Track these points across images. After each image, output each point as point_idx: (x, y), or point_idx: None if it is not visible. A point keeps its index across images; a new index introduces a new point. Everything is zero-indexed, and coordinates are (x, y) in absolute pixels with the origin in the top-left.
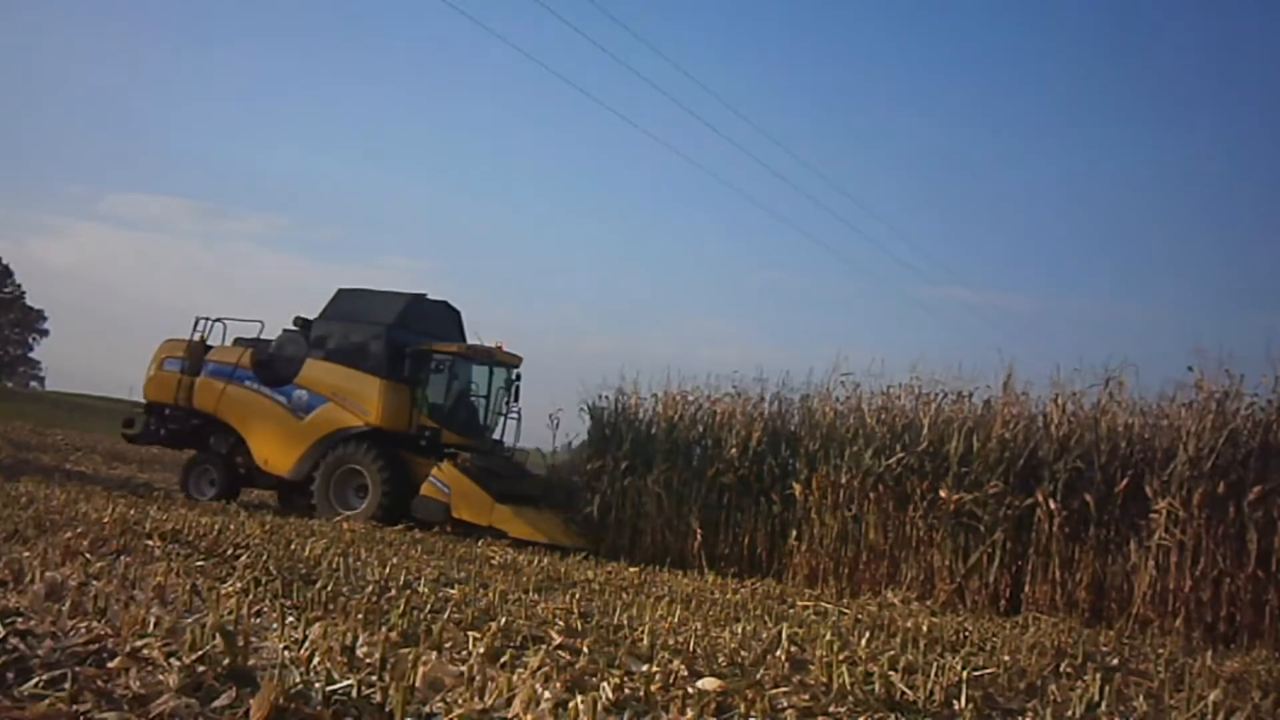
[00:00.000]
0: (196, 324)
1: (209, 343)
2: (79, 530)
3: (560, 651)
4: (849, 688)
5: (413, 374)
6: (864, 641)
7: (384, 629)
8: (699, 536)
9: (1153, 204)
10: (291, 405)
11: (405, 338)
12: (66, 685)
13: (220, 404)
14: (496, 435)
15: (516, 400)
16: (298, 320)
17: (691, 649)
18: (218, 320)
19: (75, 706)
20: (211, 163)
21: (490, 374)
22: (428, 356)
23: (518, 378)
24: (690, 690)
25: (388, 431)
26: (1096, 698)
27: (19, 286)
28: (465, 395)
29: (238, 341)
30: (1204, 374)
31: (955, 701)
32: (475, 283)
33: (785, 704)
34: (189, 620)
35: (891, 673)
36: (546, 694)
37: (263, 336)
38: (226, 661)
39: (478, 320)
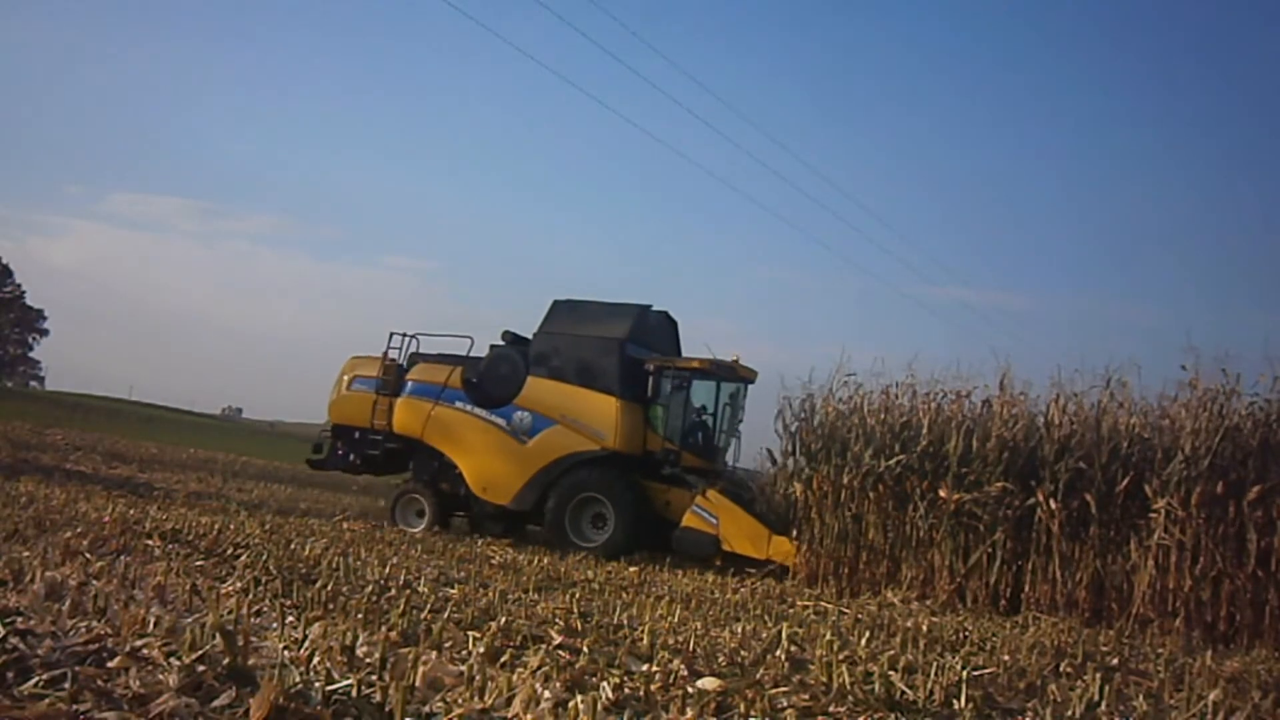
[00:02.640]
0: (390, 339)
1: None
2: (79, 530)
3: (560, 651)
4: (849, 687)
5: (653, 393)
6: (864, 641)
7: (384, 629)
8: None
9: (1152, 204)
10: (512, 428)
11: (636, 353)
12: (66, 685)
13: (427, 427)
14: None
15: (741, 417)
16: (506, 335)
17: (691, 649)
18: (414, 336)
19: (75, 706)
20: (212, 163)
21: (718, 389)
22: (670, 374)
23: (745, 393)
24: (690, 690)
25: (624, 455)
26: (1096, 697)
27: (19, 286)
28: (700, 414)
29: (435, 359)
30: (1199, 373)
31: (955, 701)
32: (476, 283)
33: (785, 704)
34: (189, 620)
35: (891, 672)
36: (546, 694)
37: (447, 353)
38: (226, 661)
39: (475, 319)
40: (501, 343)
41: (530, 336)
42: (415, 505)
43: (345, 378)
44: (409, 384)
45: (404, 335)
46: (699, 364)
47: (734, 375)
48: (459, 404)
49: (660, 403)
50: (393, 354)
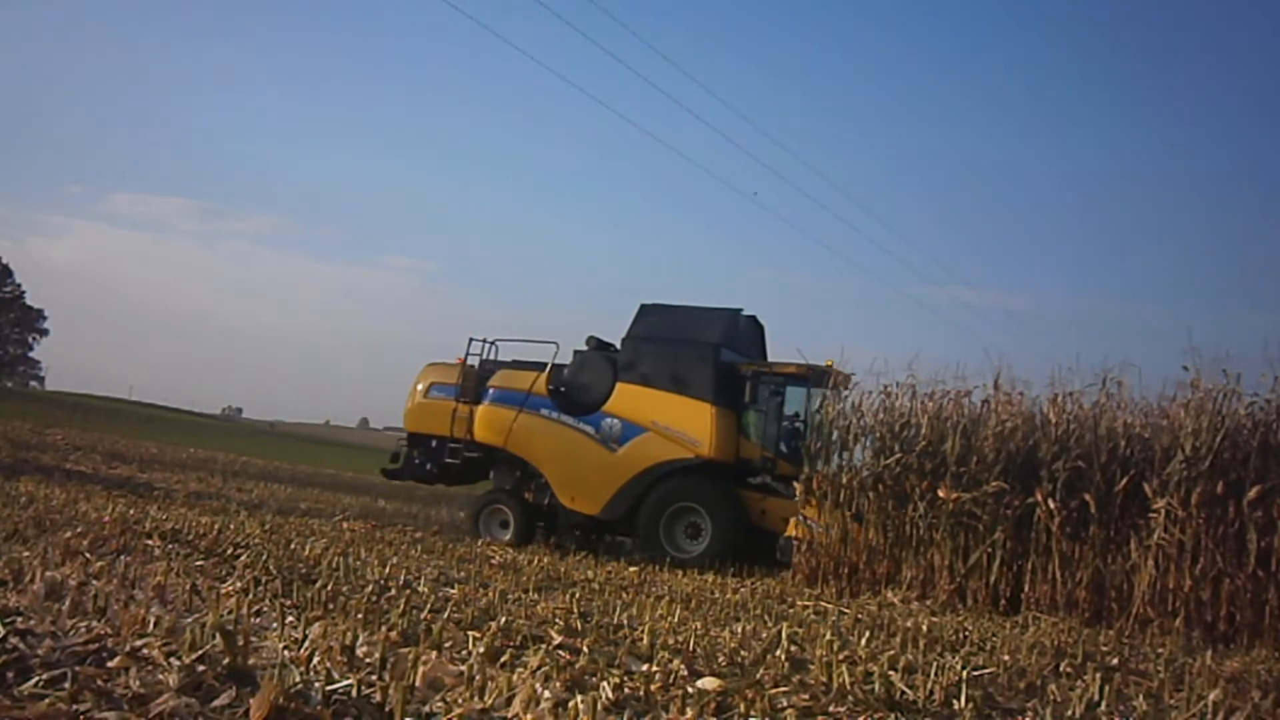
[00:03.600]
0: (469, 345)
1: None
2: (79, 530)
3: (560, 651)
4: (849, 687)
5: (750, 399)
6: (864, 641)
7: (384, 629)
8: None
9: (1152, 204)
10: (601, 436)
11: (728, 358)
12: (66, 685)
13: (511, 436)
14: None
15: None
16: (590, 340)
17: (691, 649)
18: (494, 341)
19: (75, 706)
20: (212, 163)
21: (808, 395)
22: (767, 379)
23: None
24: (690, 690)
25: (718, 463)
26: (1096, 697)
27: (19, 286)
28: (793, 420)
29: (518, 365)
30: (1199, 373)
31: (955, 701)
32: (475, 283)
33: (785, 703)
34: (189, 620)
35: (891, 672)
36: (546, 693)
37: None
38: (226, 661)
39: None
40: (586, 348)
41: (596, 339)
42: (500, 516)
43: (421, 385)
44: (491, 391)
45: (483, 341)
46: (795, 369)
47: (833, 381)
48: (544, 411)
49: (757, 409)
50: (471, 360)
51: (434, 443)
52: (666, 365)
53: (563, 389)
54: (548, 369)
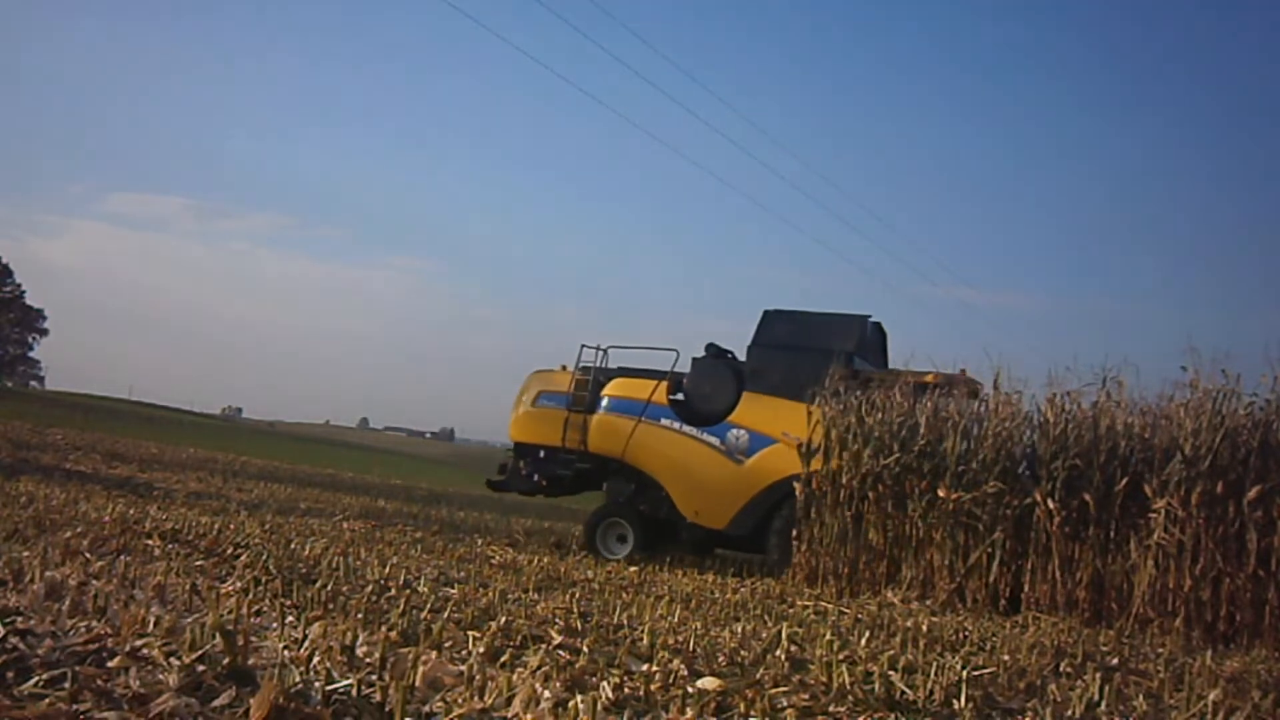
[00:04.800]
0: (581, 352)
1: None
2: (79, 530)
3: (560, 651)
4: (849, 687)
5: None
6: (864, 641)
7: (384, 628)
8: None
9: (1153, 205)
10: (727, 447)
11: (862, 367)
12: (66, 684)
13: (629, 446)
14: None
15: None
16: (710, 348)
17: (691, 648)
18: (607, 349)
19: (75, 706)
20: (212, 162)
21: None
22: (904, 389)
23: None
24: (690, 690)
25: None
26: (1096, 697)
27: (19, 286)
28: None
29: (635, 373)
30: (1198, 373)
31: (955, 701)
32: (475, 283)
33: (785, 703)
34: (189, 620)
35: (891, 672)
36: (546, 693)
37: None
38: (226, 661)
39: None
40: (705, 355)
41: (715, 346)
42: (618, 530)
43: (529, 394)
44: (607, 400)
45: (596, 348)
46: (931, 378)
47: (974, 391)
48: (665, 421)
49: None
50: (583, 368)
51: (542, 453)
52: (798, 374)
53: (683, 398)
54: (668, 377)
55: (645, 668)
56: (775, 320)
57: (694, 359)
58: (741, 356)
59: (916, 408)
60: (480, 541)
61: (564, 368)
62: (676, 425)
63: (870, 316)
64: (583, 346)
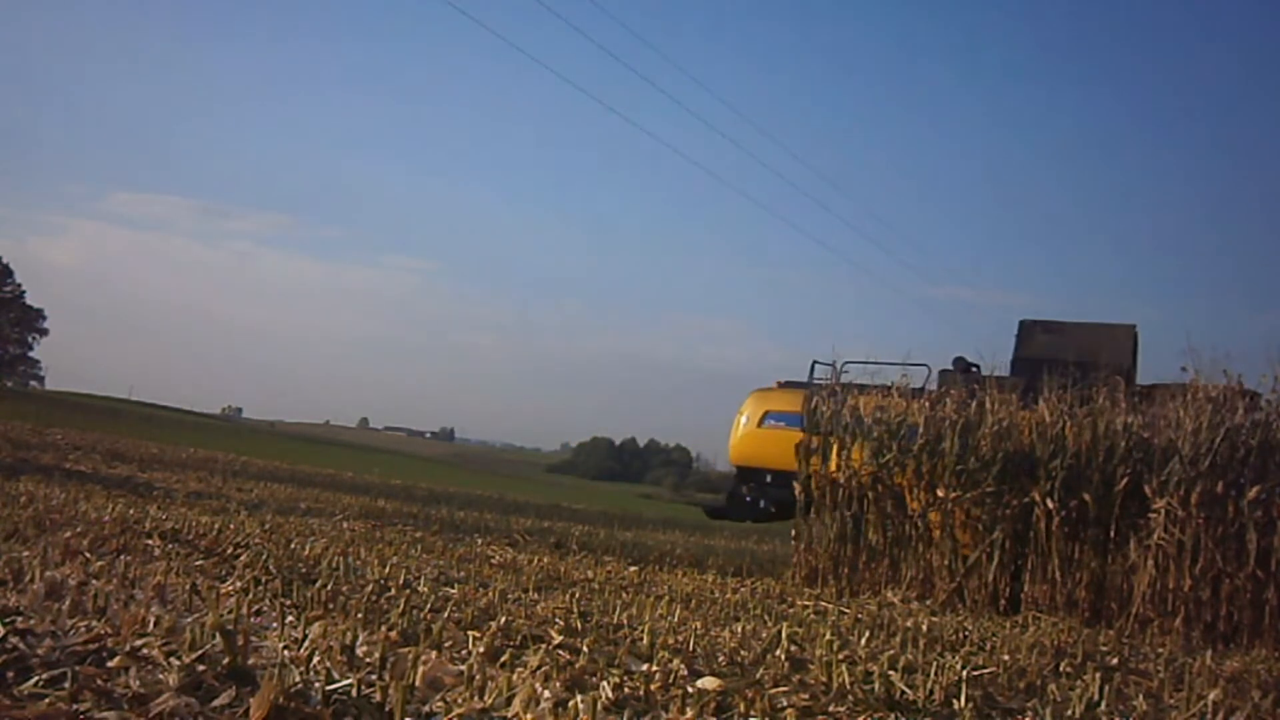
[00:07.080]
0: (813, 369)
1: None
2: (79, 529)
3: (560, 651)
4: (849, 687)
5: None
6: (864, 641)
7: (384, 628)
8: None
9: (1153, 205)
10: None
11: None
12: (66, 684)
13: None
14: None
15: None
16: (959, 362)
17: (691, 648)
18: (845, 365)
19: (75, 705)
20: (213, 162)
21: None
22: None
23: None
24: (690, 689)
25: None
26: (1096, 697)
27: (19, 286)
28: None
29: (849, 388)
30: (1200, 373)
31: (955, 701)
32: (476, 283)
33: (785, 703)
34: (189, 619)
35: (891, 672)
36: (546, 693)
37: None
38: (226, 661)
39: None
40: (953, 369)
41: (964, 360)
42: None
43: (752, 413)
44: None
45: (832, 364)
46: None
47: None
48: None
49: None
50: (816, 384)
51: (769, 477)
52: (1075, 390)
53: None
54: (922, 395)
55: (645, 668)
56: (1034, 332)
57: (942, 373)
58: (981, 369)
59: (914, 407)
60: (480, 541)
61: (779, 384)
62: None
63: (1135, 326)
64: (814, 362)
